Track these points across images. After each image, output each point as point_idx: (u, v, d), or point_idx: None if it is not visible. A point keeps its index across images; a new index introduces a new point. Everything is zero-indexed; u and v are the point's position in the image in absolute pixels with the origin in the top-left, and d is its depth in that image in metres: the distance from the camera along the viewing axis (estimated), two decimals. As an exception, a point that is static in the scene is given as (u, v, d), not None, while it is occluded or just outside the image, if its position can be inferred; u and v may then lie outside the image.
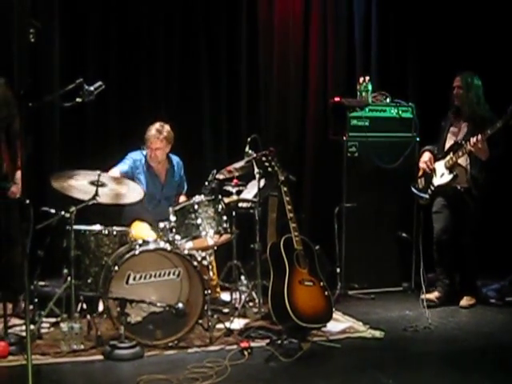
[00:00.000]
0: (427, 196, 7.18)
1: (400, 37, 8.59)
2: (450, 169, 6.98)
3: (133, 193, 6.06)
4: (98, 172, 5.68)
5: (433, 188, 7.13)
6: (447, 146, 7.10)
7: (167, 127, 6.72)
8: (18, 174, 6.03)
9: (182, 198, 6.97)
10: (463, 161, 6.95)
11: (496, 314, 6.94)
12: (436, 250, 7.22)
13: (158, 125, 6.70)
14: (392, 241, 7.81)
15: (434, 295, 7.13)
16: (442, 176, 7.06)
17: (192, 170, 7.18)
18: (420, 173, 7.27)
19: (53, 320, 5.87)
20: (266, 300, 6.09)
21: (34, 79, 6.92)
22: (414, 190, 7.31)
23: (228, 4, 7.98)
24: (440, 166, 7.09)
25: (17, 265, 5.89)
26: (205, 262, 6.34)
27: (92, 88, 5.26)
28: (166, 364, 5.26)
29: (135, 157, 6.79)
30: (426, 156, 7.22)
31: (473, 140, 6.73)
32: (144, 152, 6.80)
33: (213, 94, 7.95)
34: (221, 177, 6.62)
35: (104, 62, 7.45)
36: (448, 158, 7.01)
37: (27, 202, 4.40)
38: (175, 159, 6.98)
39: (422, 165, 7.22)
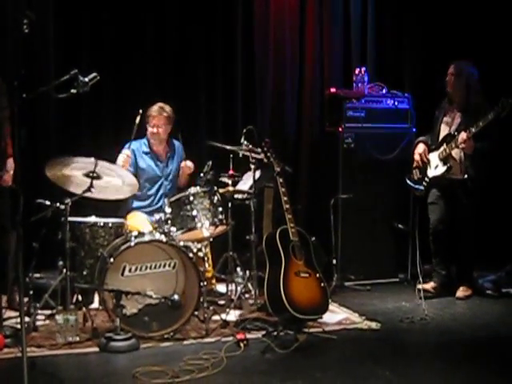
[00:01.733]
0: (422, 188, 7.16)
1: (396, 27, 8.58)
2: (444, 160, 6.97)
3: (128, 186, 6.02)
4: (93, 159, 5.63)
5: (427, 179, 7.11)
6: (441, 136, 7.09)
7: (169, 107, 6.79)
8: (10, 161, 6.01)
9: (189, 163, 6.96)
10: (456, 153, 6.93)
11: (492, 305, 6.94)
12: (432, 241, 7.23)
13: (160, 103, 6.80)
14: (388, 232, 7.82)
15: (430, 285, 7.14)
16: (436, 168, 7.05)
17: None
18: (414, 164, 7.26)
19: (48, 312, 5.86)
20: (262, 291, 6.10)
21: (28, 70, 6.88)
22: (408, 181, 7.29)
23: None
24: (434, 158, 7.08)
25: (9, 253, 5.87)
26: (200, 254, 6.34)
27: (87, 79, 5.22)
28: (161, 356, 5.25)
29: (134, 146, 6.77)
30: (421, 148, 7.20)
31: (461, 137, 6.73)
32: (143, 139, 6.81)
33: (208, 85, 7.96)
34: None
35: (99, 53, 7.43)
36: (441, 149, 6.99)
37: (18, 189, 4.38)
38: (176, 143, 6.99)
39: (416, 156, 7.20)
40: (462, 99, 7.01)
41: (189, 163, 6.86)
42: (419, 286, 6.95)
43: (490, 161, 7.01)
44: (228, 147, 6.69)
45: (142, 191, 6.67)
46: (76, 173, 5.69)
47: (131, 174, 6.15)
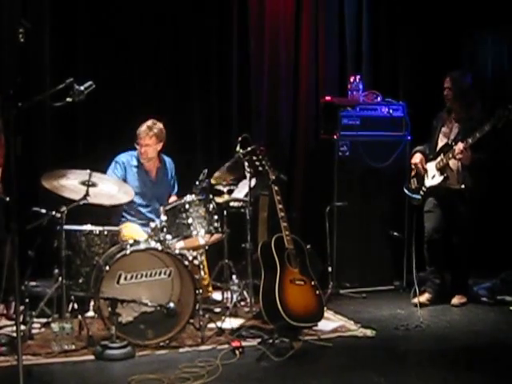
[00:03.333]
0: (419, 197, 7.17)
1: (391, 35, 8.60)
2: (441, 170, 6.98)
3: (123, 194, 6.04)
4: (88, 171, 5.66)
5: (424, 189, 7.12)
6: (439, 146, 7.10)
7: (159, 125, 6.71)
8: None
9: (173, 199, 6.96)
10: (454, 163, 6.93)
11: (487, 312, 6.95)
12: (427, 250, 7.23)
13: (149, 122, 6.71)
14: (383, 239, 7.82)
15: (425, 297, 7.11)
16: (433, 177, 7.05)
17: (183, 169, 7.18)
18: (412, 173, 7.27)
19: (44, 320, 5.83)
20: (258, 299, 6.11)
21: (24, 79, 6.90)
22: (406, 191, 7.29)
23: (219, 2, 7.98)
24: (431, 167, 7.08)
25: (6, 264, 5.87)
26: (196, 262, 6.34)
27: (82, 88, 5.23)
28: (157, 364, 5.25)
29: (123, 159, 6.77)
30: (418, 157, 7.20)
31: (458, 148, 6.74)
32: (134, 152, 6.80)
33: (203, 94, 7.94)
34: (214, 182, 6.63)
35: (94, 62, 7.43)
36: (439, 159, 7.01)
37: (7, 199, 4.38)
38: (167, 159, 6.98)
39: (413, 166, 7.21)
40: (461, 111, 7.02)
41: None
42: (415, 300, 6.96)
43: (487, 171, 7.03)
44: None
45: (130, 207, 6.65)
46: (72, 182, 5.71)
47: (124, 184, 6.16)
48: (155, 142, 6.70)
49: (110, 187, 5.94)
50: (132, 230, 6.50)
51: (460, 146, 6.75)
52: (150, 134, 6.65)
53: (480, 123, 6.68)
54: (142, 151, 6.72)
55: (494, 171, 7.33)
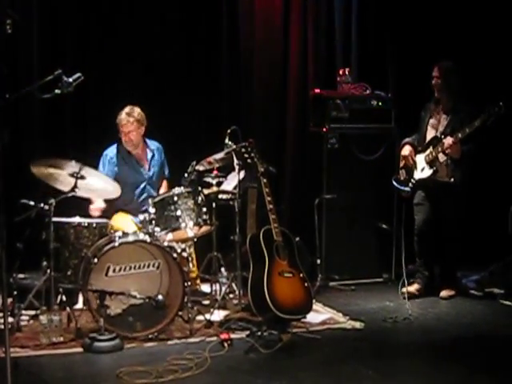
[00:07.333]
0: (408, 189, 7.16)
1: (380, 28, 8.58)
2: (430, 164, 6.97)
3: (111, 187, 6.05)
4: (78, 164, 5.64)
5: (414, 181, 7.12)
6: (427, 138, 7.10)
7: (137, 109, 6.73)
8: None
9: (164, 184, 6.97)
10: (442, 156, 6.93)
11: (476, 304, 6.97)
12: (417, 242, 7.24)
13: (127, 108, 6.72)
14: (372, 232, 7.83)
15: (414, 288, 7.15)
16: (422, 170, 7.05)
17: (171, 161, 7.16)
18: (401, 165, 7.26)
19: (32, 312, 5.83)
20: (246, 291, 6.10)
21: (12, 70, 6.88)
22: (394, 183, 7.26)
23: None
24: (421, 160, 7.08)
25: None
26: (184, 254, 6.32)
27: (71, 79, 5.22)
28: (145, 356, 5.26)
29: (110, 154, 6.79)
30: (407, 150, 7.19)
31: (447, 142, 6.75)
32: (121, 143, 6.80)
33: (193, 85, 7.93)
34: (201, 168, 6.59)
35: (83, 53, 7.42)
36: (428, 152, 7.00)
37: None
38: (154, 144, 6.98)
39: (402, 158, 7.21)
40: (448, 102, 7.03)
41: None
42: (403, 289, 6.98)
43: (476, 163, 7.04)
44: (216, 162, 6.67)
45: (124, 196, 6.63)
46: (61, 172, 5.69)
47: (112, 182, 6.13)
48: (137, 126, 6.69)
49: (98, 182, 5.92)
50: (122, 221, 6.49)
51: (449, 140, 6.75)
52: (130, 120, 6.66)
53: (469, 117, 6.69)
54: (126, 139, 6.72)
55: (482, 164, 7.34)
